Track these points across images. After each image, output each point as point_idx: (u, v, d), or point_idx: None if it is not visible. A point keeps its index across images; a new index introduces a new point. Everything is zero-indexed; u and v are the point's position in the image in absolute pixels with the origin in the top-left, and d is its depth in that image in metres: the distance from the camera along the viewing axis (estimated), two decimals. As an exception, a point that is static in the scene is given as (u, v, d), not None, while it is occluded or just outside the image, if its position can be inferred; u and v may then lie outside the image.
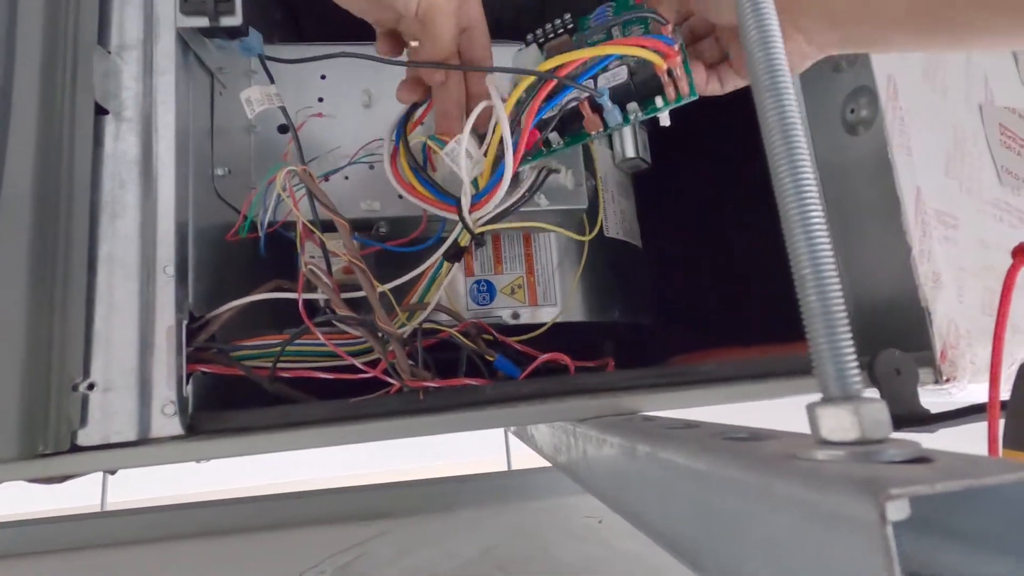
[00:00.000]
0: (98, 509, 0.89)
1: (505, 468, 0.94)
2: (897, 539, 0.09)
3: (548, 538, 0.66)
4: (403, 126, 0.35)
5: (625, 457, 0.21)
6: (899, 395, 0.30)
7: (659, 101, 0.32)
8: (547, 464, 0.80)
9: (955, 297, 0.31)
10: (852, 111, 0.35)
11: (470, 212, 0.33)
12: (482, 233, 0.36)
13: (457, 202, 0.32)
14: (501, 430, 0.97)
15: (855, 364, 0.13)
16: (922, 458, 0.12)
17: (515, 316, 0.46)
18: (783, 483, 0.11)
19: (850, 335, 0.12)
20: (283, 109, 0.33)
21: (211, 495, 0.81)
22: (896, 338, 0.31)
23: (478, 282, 0.46)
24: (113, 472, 0.34)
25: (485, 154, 0.32)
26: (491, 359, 0.33)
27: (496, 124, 0.31)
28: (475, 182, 0.33)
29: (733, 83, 0.33)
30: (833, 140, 0.37)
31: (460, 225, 0.33)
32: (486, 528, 0.70)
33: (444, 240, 0.37)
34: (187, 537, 0.75)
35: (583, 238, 0.45)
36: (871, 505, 0.09)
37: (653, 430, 0.20)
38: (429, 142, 0.34)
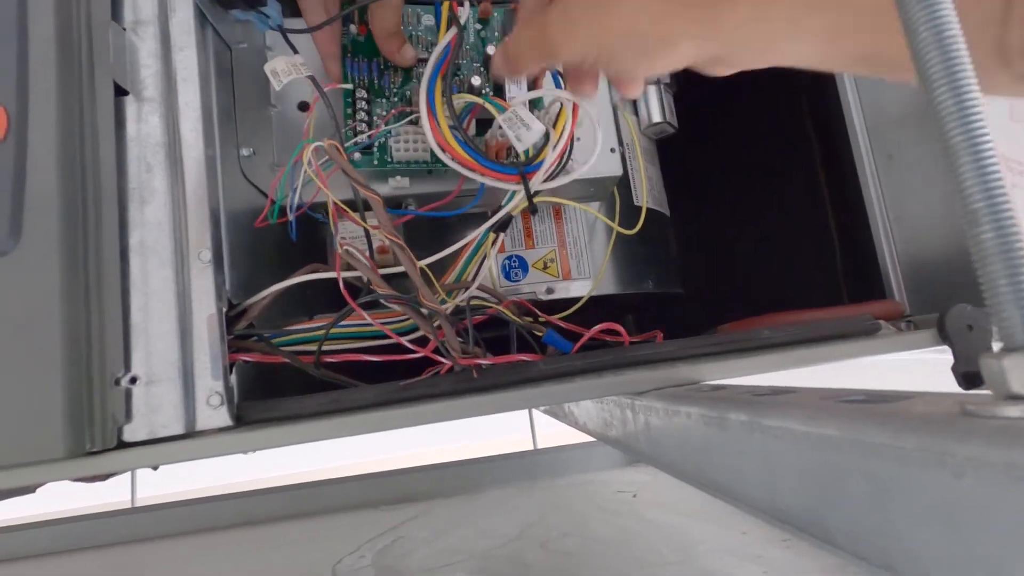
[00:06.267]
0: (128, 505, 0.89)
1: (531, 447, 0.93)
2: None
3: (583, 513, 0.65)
4: (434, 81, 0.32)
5: (709, 428, 0.20)
6: (972, 352, 0.29)
7: None
8: (574, 441, 0.80)
9: (1027, 248, 0.29)
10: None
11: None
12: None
13: (519, 170, 0.31)
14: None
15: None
16: None
17: (549, 291, 0.44)
18: (969, 446, 0.10)
19: (1038, 274, 0.11)
20: (312, 78, 0.31)
21: (236, 487, 0.80)
22: (963, 295, 0.30)
23: (510, 257, 0.44)
24: (156, 467, 0.33)
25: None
26: (540, 334, 0.32)
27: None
28: (526, 152, 0.32)
29: None
30: (884, 88, 0.35)
31: (511, 194, 0.32)
32: (519, 506, 0.69)
33: (477, 213, 0.35)
34: (220, 529, 0.75)
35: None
36: None
37: (740, 398, 0.19)
38: (488, 104, 0.33)
